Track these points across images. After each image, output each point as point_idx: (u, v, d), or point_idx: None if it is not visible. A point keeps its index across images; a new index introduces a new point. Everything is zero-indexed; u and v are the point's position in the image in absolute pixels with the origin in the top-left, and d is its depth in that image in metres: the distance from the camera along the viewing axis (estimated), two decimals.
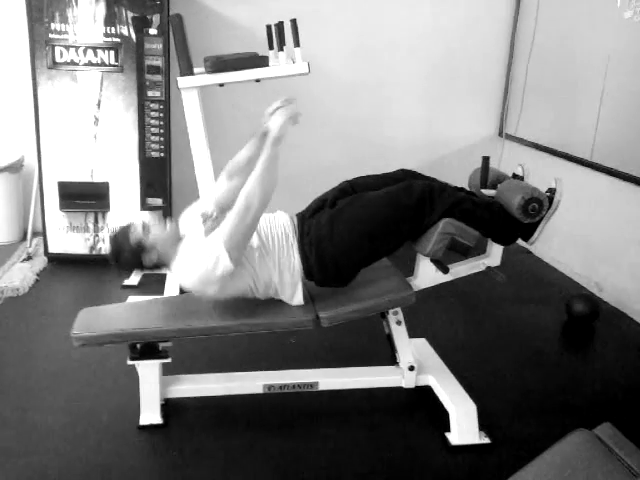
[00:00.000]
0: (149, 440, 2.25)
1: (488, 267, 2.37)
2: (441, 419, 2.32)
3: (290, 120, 2.10)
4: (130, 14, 3.56)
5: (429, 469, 2.14)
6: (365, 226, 2.18)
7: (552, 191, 2.22)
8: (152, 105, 3.70)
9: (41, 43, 3.54)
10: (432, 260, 2.27)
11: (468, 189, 2.46)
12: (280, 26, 3.07)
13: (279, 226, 2.24)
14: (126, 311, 2.44)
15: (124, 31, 3.57)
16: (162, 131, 3.75)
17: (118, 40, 3.58)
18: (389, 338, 2.49)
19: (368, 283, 2.39)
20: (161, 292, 3.36)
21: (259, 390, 2.38)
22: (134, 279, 3.59)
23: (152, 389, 2.27)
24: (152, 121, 3.72)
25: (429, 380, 2.47)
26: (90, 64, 3.60)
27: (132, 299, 2.96)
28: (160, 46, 3.61)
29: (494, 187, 2.33)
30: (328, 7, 4.29)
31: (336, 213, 2.21)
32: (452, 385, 2.41)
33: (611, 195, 3.57)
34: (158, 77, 3.66)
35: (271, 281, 2.20)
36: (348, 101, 4.47)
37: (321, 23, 4.20)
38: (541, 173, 2.54)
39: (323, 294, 2.34)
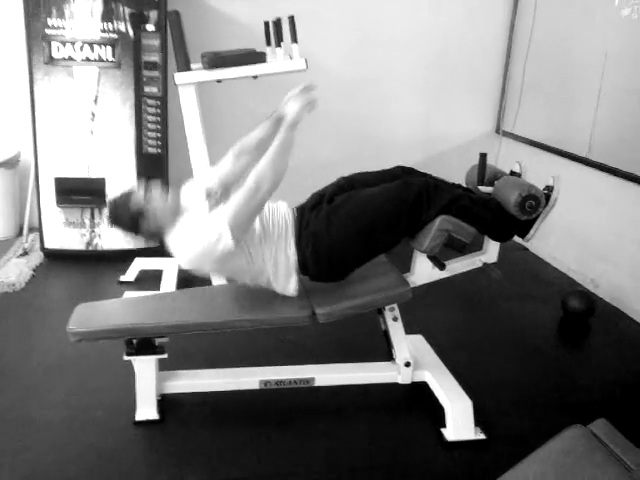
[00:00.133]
0: (145, 435, 2.25)
1: (484, 263, 2.38)
2: (437, 415, 2.33)
3: (307, 106, 2.11)
4: (127, 10, 3.54)
5: (424, 465, 2.15)
6: (362, 222, 2.18)
7: (549, 189, 2.23)
8: (149, 101, 3.70)
9: (38, 38, 3.53)
10: (429, 256, 2.27)
11: (465, 186, 2.47)
12: (278, 22, 3.07)
13: (281, 216, 2.24)
14: (122, 307, 2.44)
15: (121, 27, 3.56)
16: (159, 127, 3.74)
17: (115, 36, 3.57)
18: (385, 334, 2.49)
19: (365, 279, 2.39)
20: (157, 288, 3.36)
21: (255, 386, 2.38)
22: (131, 275, 3.59)
23: (148, 385, 2.27)
24: (149, 117, 3.72)
25: (425, 376, 2.48)
26: (87, 60, 3.59)
27: (128, 295, 2.96)
28: (157, 42, 3.60)
29: (491, 184, 2.33)
30: (326, 4, 4.28)
31: (333, 209, 2.21)
32: (448, 381, 2.42)
33: (607, 192, 3.58)
34: (155, 73, 3.65)
35: (265, 269, 2.19)
36: (346, 98, 4.47)
37: (319, 20, 4.19)
38: (538, 170, 2.55)
39: (320, 290, 2.34)
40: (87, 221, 3.82)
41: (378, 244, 2.23)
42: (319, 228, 2.18)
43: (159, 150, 3.77)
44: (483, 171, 2.35)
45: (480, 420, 2.29)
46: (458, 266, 2.38)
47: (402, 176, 2.32)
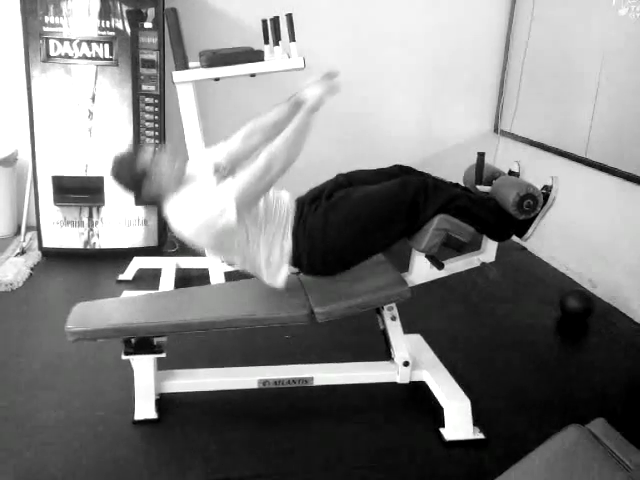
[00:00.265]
0: (144, 435, 2.25)
1: (483, 263, 2.38)
2: (435, 414, 2.33)
3: (330, 91, 2.12)
4: (125, 7, 3.53)
5: (423, 464, 2.15)
6: (359, 220, 2.17)
7: (547, 188, 2.23)
8: (147, 99, 3.69)
9: (35, 36, 3.51)
10: (427, 256, 2.27)
11: (463, 185, 2.47)
12: (276, 21, 3.06)
13: (284, 204, 2.23)
14: (121, 306, 2.44)
15: (119, 24, 3.55)
16: (157, 125, 3.74)
17: (113, 34, 3.56)
18: (384, 333, 2.49)
19: (363, 279, 2.39)
20: (156, 287, 3.36)
21: (254, 385, 2.38)
22: (129, 274, 3.58)
23: (147, 384, 2.27)
24: (147, 115, 3.71)
25: (423, 375, 2.48)
26: (84, 57, 3.58)
27: (127, 294, 2.96)
28: (155, 40, 3.60)
29: (489, 183, 2.33)
30: (324, 2, 4.28)
31: (331, 205, 2.20)
32: (446, 381, 2.42)
33: (605, 192, 3.58)
34: (153, 71, 3.65)
35: (258, 254, 2.17)
36: (343, 97, 4.43)
37: (317, 18, 4.19)
38: (536, 169, 2.55)
39: (318, 289, 2.34)
40: (85, 220, 3.81)
41: (374, 242, 2.23)
42: (316, 223, 2.17)
43: (157, 148, 3.76)
44: (481, 170, 2.35)
45: (478, 420, 2.29)
46: (456, 265, 2.38)
47: (400, 175, 2.32)
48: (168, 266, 3.59)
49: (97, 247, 3.85)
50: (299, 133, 2.07)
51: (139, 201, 2.16)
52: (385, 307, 2.38)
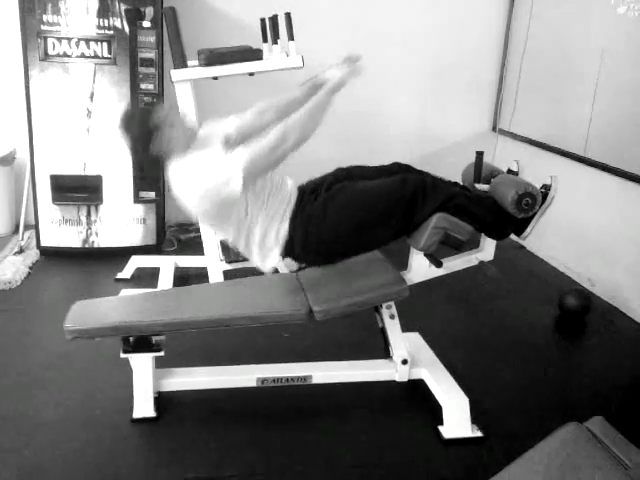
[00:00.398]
0: (142, 433, 2.25)
1: (481, 261, 2.38)
2: (434, 412, 2.33)
3: (353, 73, 2.14)
4: (123, 6, 3.53)
5: (421, 462, 2.15)
6: (357, 213, 2.16)
7: (546, 187, 2.23)
8: (145, 98, 3.68)
9: (33, 35, 3.51)
10: (425, 254, 2.27)
11: (462, 184, 2.47)
12: (274, 19, 3.06)
13: (287, 188, 2.21)
14: (119, 304, 2.43)
15: (117, 23, 3.55)
16: None
17: (111, 32, 3.56)
18: (382, 332, 2.49)
19: (362, 277, 2.39)
20: (154, 285, 3.36)
21: (252, 383, 2.38)
22: (127, 272, 3.58)
23: (145, 382, 2.27)
24: None
25: (422, 374, 2.49)
26: (83, 56, 3.58)
27: (125, 292, 2.96)
28: (153, 39, 3.59)
29: (488, 182, 2.33)
30: (324, 2, 4.27)
31: (330, 196, 2.19)
32: (445, 379, 2.42)
33: (604, 190, 3.59)
34: (151, 70, 3.64)
35: (253, 232, 2.15)
36: (342, 95, 4.45)
37: (315, 17, 4.18)
38: (534, 168, 2.56)
39: (317, 288, 2.34)
40: (83, 218, 3.81)
41: (369, 237, 2.21)
42: (314, 212, 2.16)
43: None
44: (480, 169, 2.35)
45: (477, 417, 2.29)
46: (455, 264, 2.38)
47: (399, 173, 2.32)
48: (166, 265, 3.59)
49: (95, 246, 3.85)
50: (318, 110, 2.07)
51: (140, 156, 2.12)
52: (384, 305, 2.38)
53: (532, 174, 2.35)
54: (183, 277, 3.52)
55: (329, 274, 2.50)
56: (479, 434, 2.26)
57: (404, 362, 2.42)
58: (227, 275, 3.28)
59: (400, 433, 2.30)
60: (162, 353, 2.24)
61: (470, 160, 2.41)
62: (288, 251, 2.20)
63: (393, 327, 2.42)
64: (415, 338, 2.72)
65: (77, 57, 3.57)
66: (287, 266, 3.57)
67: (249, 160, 1.99)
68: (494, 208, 2.24)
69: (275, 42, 3.07)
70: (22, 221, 3.98)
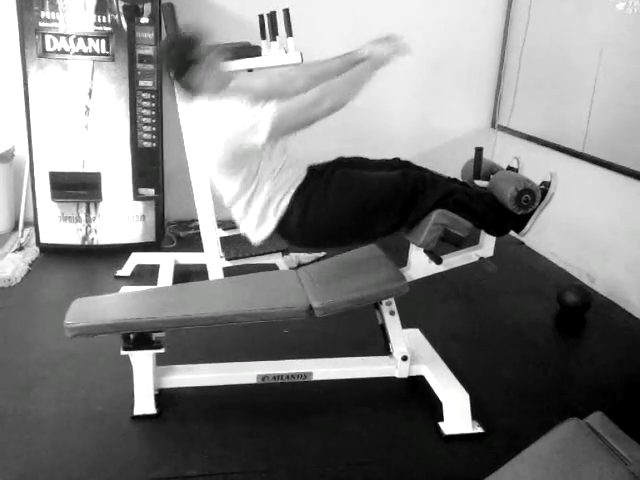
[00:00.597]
0: (143, 430, 2.25)
1: (481, 258, 2.38)
2: (434, 409, 2.33)
3: (397, 50, 2.14)
4: (121, 3, 3.52)
5: (422, 458, 2.16)
6: (355, 200, 2.15)
7: (546, 184, 2.23)
8: (144, 95, 3.68)
9: (31, 31, 3.50)
10: (425, 251, 2.27)
11: (461, 180, 2.47)
12: (273, 16, 3.06)
13: (298, 168, 2.20)
14: (119, 301, 2.44)
15: (115, 20, 3.54)
16: (154, 121, 3.73)
17: (109, 29, 3.55)
18: (382, 328, 2.49)
19: (362, 273, 2.40)
20: (154, 282, 3.36)
21: (253, 380, 2.38)
22: (127, 270, 3.58)
23: (146, 379, 2.27)
24: (144, 111, 3.70)
25: (422, 370, 2.49)
26: (81, 53, 3.57)
27: (125, 289, 2.96)
28: (152, 35, 3.59)
29: (487, 178, 2.33)
30: None
31: (332, 179, 2.18)
32: (445, 375, 2.42)
33: (603, 187, 3.59)
34: (150, 66, 3.64)
35: (255, 197, 2.14)
36: None
37: (314, 13, 4.17)
38: (533, 164, 2.55)
39: (316, 284, 2.34)
40: (83, 216, 3.81)
41: (364, 226, 2.21)
42: (315, 193, 2.16)
43: (154, 144, 3.76)
44: (479, 165, 2.35)
45: (477, 414, 2.29)
46: (454, 260, 2.38)
47: (400, 168, 2.31)
48: (166, 262, 3.58)
49: (95, 243, 3.85)
50: (357, 80, 2.07)
51: (181, 79, 2.11)
52: (383, 302, 2.38)
53: (531, 170, 2.35)
54: (183, 274, 3.52)
55: (329, 271, 2.51)
56: (480, 430, 2.26)
57: (404, 358, 2.42)
58: (227, 272, 3.28)
59: (401, 429, 2.30)
60: (162, 350, 2.24)
61: (469, 156, 2.41)
62: (283, 227, 2.19)
63: (393, 323, 2.42)
64: (415, 334, 2.72)
65: (75, 54, 3.57)
66: (287, 263, 3.59)
67: (279, 115, 1.97)
68: (494, 204, 2.24)
69: (274, 39, 3.06)
70: (21, 218, 3.98)
